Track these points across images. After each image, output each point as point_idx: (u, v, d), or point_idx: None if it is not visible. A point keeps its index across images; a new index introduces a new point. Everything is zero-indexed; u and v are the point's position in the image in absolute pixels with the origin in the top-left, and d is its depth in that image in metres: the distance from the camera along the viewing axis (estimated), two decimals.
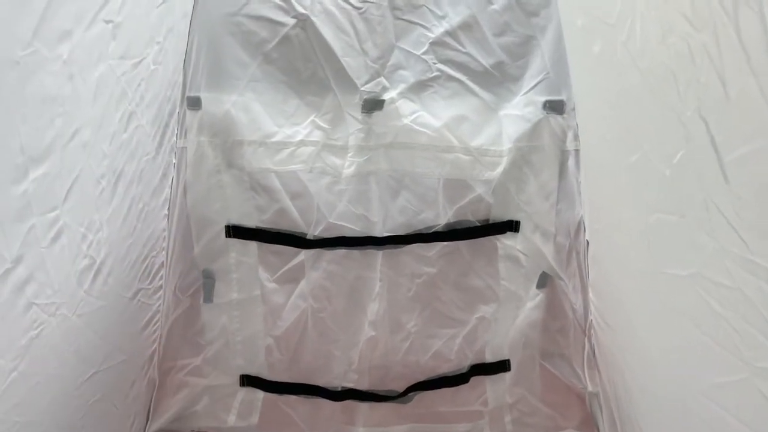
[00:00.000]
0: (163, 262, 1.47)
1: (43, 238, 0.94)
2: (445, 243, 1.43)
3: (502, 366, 1.49)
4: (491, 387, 1.49)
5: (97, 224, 1.12)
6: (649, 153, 0.88)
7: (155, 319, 1.47)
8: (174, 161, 1.44)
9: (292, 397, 1.49)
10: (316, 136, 1.38)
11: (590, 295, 1.46)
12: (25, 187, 0.85)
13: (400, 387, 1.49)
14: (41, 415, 1.07)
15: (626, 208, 1.07)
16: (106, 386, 1.28)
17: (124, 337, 1.36)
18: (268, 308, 1.46)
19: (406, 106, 1.36)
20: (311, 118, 1.38)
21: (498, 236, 1.43)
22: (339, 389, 1.47)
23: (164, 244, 1.46)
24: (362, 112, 1.35)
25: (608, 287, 1.36)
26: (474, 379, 1.49)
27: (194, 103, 1.39)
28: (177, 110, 1.41)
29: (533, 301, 1.47)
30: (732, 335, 0.75)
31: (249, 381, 1.47)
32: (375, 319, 1.46)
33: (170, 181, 1.44)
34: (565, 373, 1.51)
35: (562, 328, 1.49)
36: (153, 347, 1.47)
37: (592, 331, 1.48)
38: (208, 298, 1.45)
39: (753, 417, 0.74)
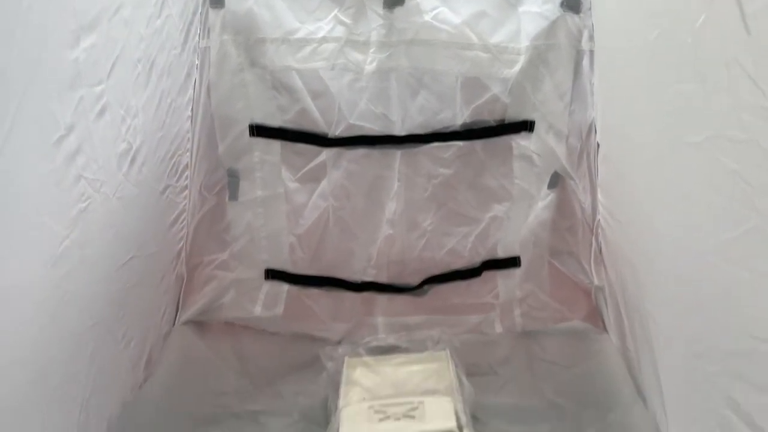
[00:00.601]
0: (187, 163, 1.52)
1: (91, 111, 0.98)
2: (461, 144, 1.48)
3: (513, 262, 1.56)
4: (502, 281, 1.57)
5: (134, 109, 1.16)
6: (669, 27, 0.92)
7: (182, 218, 1.53)
8: (197, 62, 1.47)
9: (314, 291, 1.57)
10: (339, 32, 1.41)
11: (599, 195, 1.53)
12: (77, 55, 0.89)
13: (416, 281, 1.57)
14: (88, 288, 1.14)
15: (642, 93, 1.12)
16: (141, 273, 1.35)
17: (155, 230, 1.43)
18: (290, 208, 1.53)
19: (427, 2, 1.38)
20: (334, 12, 1.41)
21: (513, 136, 1.48)
22: (359, 282, 1.55)
23: (188, 145, 1.51)
24: (384, 8, 1.38)
25: (618, 184, 1.42)
26: (486, 274, 1.57)
27: (217, 2, 1.41)
28: (200, 9, 1.44)
29: (544, 201, 1.54)
30: (745, 189, 0.81)
31: (273, 275, 1.55)
32: (392, 218, 1.53)
33: (193, 82, 1.48)
34: (572, 270, 1.59)
35: (571, 227, 1.56)
36: (180, 244, 1.54)
37: (599, 230, 1.55)
38: (233, 196, 1.51)
39: (763, 265, 0.81)
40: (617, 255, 1.45)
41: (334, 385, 1.39)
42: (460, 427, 1.07)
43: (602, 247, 1.55)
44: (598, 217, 1.55)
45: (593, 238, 1.57)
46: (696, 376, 1.05)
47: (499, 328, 1.57)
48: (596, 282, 1.55)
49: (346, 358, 1.43)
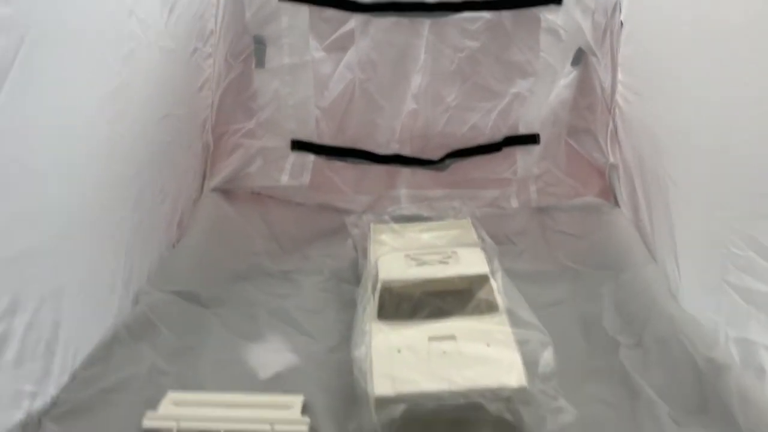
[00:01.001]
0: (212, 30, 1.52)
1: None
2: (490, 16, 1.48)
3: (533, 139, 1.61)
4: (521, 157, 1.62)
5: None
6: None
7: (207, 85, 1.53)
8: None
9: (338, 164, 1.61)
10: None
11: (619, 74, 1.57)
12: None
13: (439, 156, 1.61)
14: (133, 135, 1.16)
15: None
16: (174, 133, 1.37)
17: (185, 92, 1.44)
18: (316, 78, 1.54)
19: None
20: None
21: (541, 9, 1.49)
22: (383, 155, 1.59)
23: (213, 11, 1.50)
24: None
25: (644, 61, 1.45)
26: (505, 150, 1.61)
27: None
28: None
29: (566, 78, 1.57)
30: None
31: (299, 145, 1.58)
32: (417, 93, 1.55)
33: None
34: (587, 149, 1.64)
35: (591, 105, 1.60)
36: (207, 112, 1.55)
37: (617, 110, 1.60)
38: (260, 63, 1.51)
39: None
40: (636, 131, 1.50)
41: (361, 248, 1.45)
42: (492, 273, 1.13)
43: (618, 126, 1.60)
44: (617, 96, 1.59)
45: (610, 117, 1.61)
46: (714, 226, 1.12)
47: (515, 203, 1.63)
48: (611, 159, 1.61)
49: (372, 224, 1.48)
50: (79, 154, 1.02)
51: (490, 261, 1.20)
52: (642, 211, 1.47)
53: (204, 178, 1.58)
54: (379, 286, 1.12)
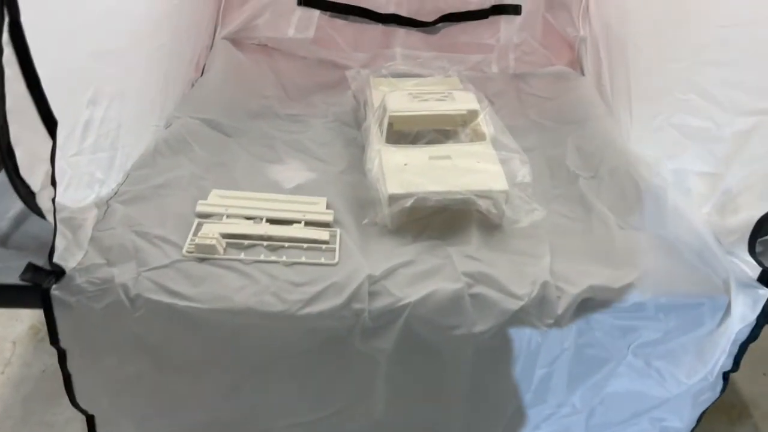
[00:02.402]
0: None
1: None
2: None
3: (515, 9, 1.80)
4: (504, 27, 1.81)
5: None
6: None
7: None
8: None
9: (339, 22, 1.77)
10: None
11: None
12: None
13: (431, 18, 1.79)
14: None
15: None
16: None
17: None
18: None
19: None
20: None
21: None
22: (383, 14, 1.76)
23: None
24: None
25: None
26: (491, 18, 1.80)
27: None
28: None
29: None
30: None
31: (306, 1, 1.72)
32: None
33: None
34: (561, 23, 1.84)
35: None
36: None
37: None
38: None
39: None
40: (606, 3, 1.70)
41: (362, 98, 1.64)
42: (481, 108, 1.35)
43: (590, 1, 1.80)
44: None
45: None
46: (664, 77, 1.35)
47: (495, 69, 1.84)
48: (581, 33, 1.82)
49: (371, 77, 1.66)
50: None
51: (480, 101, 1.41)
52: (604, 77, 1.69)
53: (216, 27, 1.71)
54: (387, 115, 1.33)
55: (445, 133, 1.36)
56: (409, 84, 1.65)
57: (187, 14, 1.47)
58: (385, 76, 1.67)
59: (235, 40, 1.72)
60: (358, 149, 1.45)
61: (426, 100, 1.38)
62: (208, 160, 1.35)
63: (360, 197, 1.27)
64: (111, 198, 1.15)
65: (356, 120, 1.60)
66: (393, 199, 1.16)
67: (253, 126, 1.52)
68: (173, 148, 1.33)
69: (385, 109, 1.35)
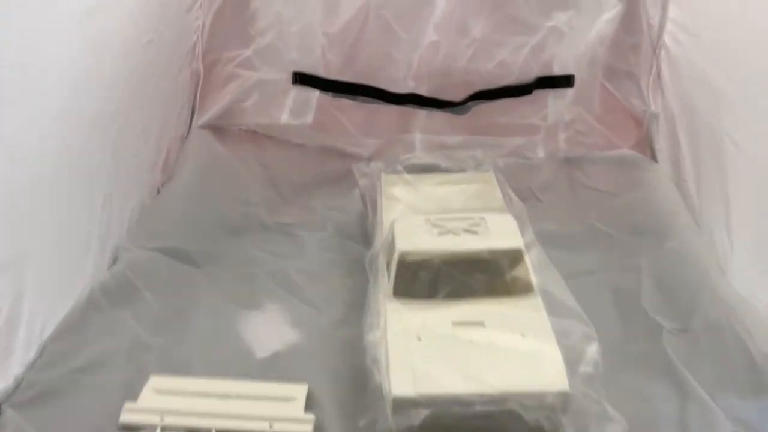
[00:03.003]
0: None
1: None
2: None
3: (567, 81, 1.42)
4: (553, 101, 1.44)
5: None
6: None
7: (198, 4, 1.32)
8: None
9: (346, 102, 1.42)
10: None
11: (670, 9, 1.37)
12: None
13: (460, 97, 1.42)
14: (112, 63, 0.97)
15: None
16: (158, 62, 1.18)
17: (171, 13, 1.24)
18: (324, 1, 1.32)
19: None
20: None
21: None
22: (397, 94, 1.40)
23: None
24: None
25: None
26: (536, 93, 1.43)
27: None
28: None
29: (610, 12, 1.37)
30: None
31: (303, 79, 1.38)
32: (440, 22, 1.35)
33: None
34: (625, 94, 1.46)
35: (636, 44, 1.41)
36: (197, 36, 1.35)
37: (663, 51, 1.41)
38: None
39: None
40: (687, 76, 1.32)
41: (371, 202, 1.29)
42: (527, 247, 0.98)
43: (663, 70, 1.42)
44: (665, 35, 1.40)
45: (655, 58, 1.43)
46: None
47: (541, 152, 1.47)
48: (652, 107, 1.44)
49: (383, 174, 1.32)
50: (47, 88, 0.84)
51: (523, 228, 1.04)
52: (685, 169, 1.32)
53: (193, 112, 1.39)
54: (395, 257, 0.97)
55: (478, 275, 0.99)
56: (431, 182, 1.30)
57: (147, 107, 1.16)
58: (399, 172, 1.32)
59: (218, 127, 1.39)
60: (361, 280, 1.09)
61: (449, 231, 1.01)
62: (161, 313, 1.01)
63: (358, 373, 0.91)
64: (6, 398, 0.82)
65: (363, 232, 1.25)
66: (399, 404, 0.80)
67: (231, 247, 1.19)
68: (114, 299, 1.01)
69: (392, 245, 0.99)
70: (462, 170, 1.35)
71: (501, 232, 1.01)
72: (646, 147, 1.47)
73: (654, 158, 1.44)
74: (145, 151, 1.17)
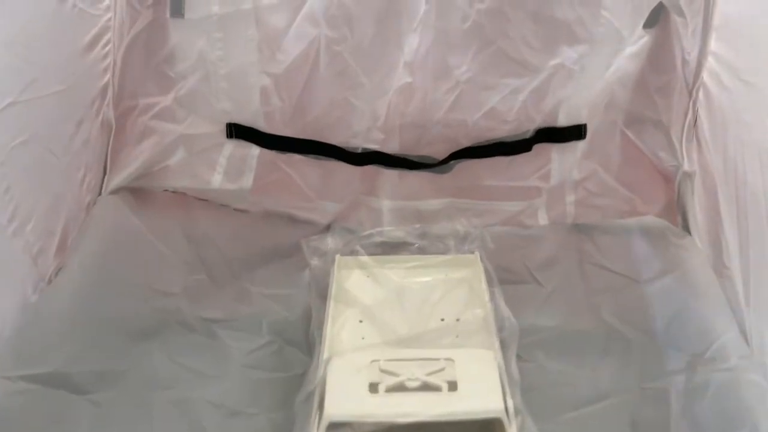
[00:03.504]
0: None
1: None
2: None
3: (576, 132, 1.12)
4: (558, 158, 1.14)
5: None
6: None
7: (105, 39, 1.04)
8: None
9: (297, 157, 1.13)
10: None
11: (712, 42, 1.06)
12: None
13: (440, 153, 1.13)
14: None
15: None
16: (32, 125, 0.90)
17: (58, 57, 0.95)
18: (263, 34, 1.03)
19: None
20: None
21: None
22: (359, 150, 1.10)
23: None
24: None
25: (758, 26, 0.94)
26: (536, 148, 1.12)
27: None
28: None
29: (634, 45, 1.06)
30: None
31: (239, 132, 1.09)
32: (413, 60, 1.05)
33: None
34: (651, 146, 1.16)
35: (666, 85, 1.10)
36: (105, 78, 1.06)
37: (702, 93, 1.10)
38: (177, 10, 1.00)
39: None
40: (733, 127, 1.01)
41: (320, 293, 1.01)
42: (509, 413, 0.69)
43: (701, 118, 1.11)
44: (704, 74, 1.09)
45: (691, 103, 1.12)
46: None
47: (543, 220, 1.17)
48: (685, 165, 1.13)
49: (338, 257, 1.04)
50: None
51: (509, 385, 0.75)
52: (728, 251, 1.01)
53: (104, 173, 1.11)
54: (323, 423, 0.69)
55: None
56: (398, 269, 1.02)
57: (20, 183, 0.88)
58: (358, 254, 1.04)
59: (134, 189, 1.12)
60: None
61: (401, 384, 0.72)
62: None
63: None
64: None
65: (307, 336, 0.98)
66: None
67: (133, 361, 0.92)
68: None
69: (321, 405, 0.71)
70: (439, 250, 1.06)
71: (474, 386, 0.72)
72: (676, 214, 1.17)
73: (686, 229, 1.14)
74: (16, 243, 0.89)
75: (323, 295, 1.00)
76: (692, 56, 1.07)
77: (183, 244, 1.09)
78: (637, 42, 1.06)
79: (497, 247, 1.11)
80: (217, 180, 1.11)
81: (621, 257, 1.12)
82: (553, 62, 1.05)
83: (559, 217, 1.18)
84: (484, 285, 0.97)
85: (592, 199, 1.18)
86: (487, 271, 1.03)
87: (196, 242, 1.10)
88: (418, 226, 1.10)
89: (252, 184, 1.12)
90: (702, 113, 1.11)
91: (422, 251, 1.07)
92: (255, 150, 1.10)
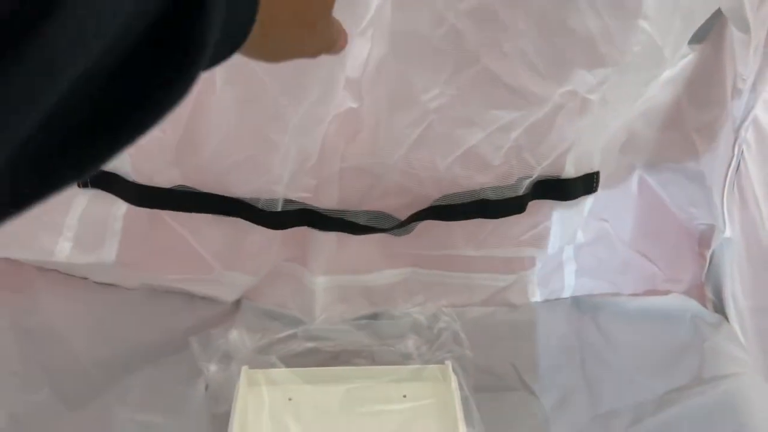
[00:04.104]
0: None
1: None
2: None
3: (587, 184, 0.80)
4: (559, 218, 0.82)
5: None
6: None
7: None
8: None
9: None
10: None
11: None
12: None
13: (396, 210, 0.79)
14: None
15: None
16: None
17: None
18: None
19: None
20: None
21: None
22: (279, 208, 0.75)
23: None
24: None
25: None
26: (532, 205, 0.80)
27: None
28: None
29: (675, 67, 0.75)
30: None
31: (95, 181, 0.73)
32: (360, 77, 0.71)
33: None
34: (680, 200, 0.86)
35: (712, 122, 0.80)
36: None
37: (753, 132, 0.81)
38: None
39: None
40: None
41: (218, 418, 0.68)
42: None
43: (749, 165, 0.82)
44: (755, 109, 0.79)
45: (736, 146, 0.82)
46: None
47: (536, 296, 0.86)
48: (726, 229, 0.84)
49: (245, 369, 0.70)
50: None
51: None
52: None
53: None
54: None
55: None
56: (338, 391, 0.70)
57: None
58: (275, 366, 0.71)
59: None
60: None
61: None
62: None
63: None
64: None
65: None
66: None
67: None
68: None
69: None
70: (395, 358, 0.74)
71: None
72: (707, 289, 0.88)
73: (722, 312, 0.86)
74: None
75: (223, 421, 0.67)
76: (747, 84, 0.77)
77: (11, 343, 0.74)
78: (680, 61, 0.75)
79: (475, 341, 0.80)
80: (63, 249, 0.74)
81: (636, 349, 0.83)
82: (561, 90, 0.72)
83: (556, 292, 0.87)
84: (458, 413, 0.66)
85: (601, 270, 0.88)
86: (462, 389, 0.71)
87: (34, 338, 0.75)
88: (364, 321, 0.77)
89: (120, 251, 0.76)
90: (748, 157, 0.83)
91: (370, 359, 0.74)
92: (120, 208, 0.74)
